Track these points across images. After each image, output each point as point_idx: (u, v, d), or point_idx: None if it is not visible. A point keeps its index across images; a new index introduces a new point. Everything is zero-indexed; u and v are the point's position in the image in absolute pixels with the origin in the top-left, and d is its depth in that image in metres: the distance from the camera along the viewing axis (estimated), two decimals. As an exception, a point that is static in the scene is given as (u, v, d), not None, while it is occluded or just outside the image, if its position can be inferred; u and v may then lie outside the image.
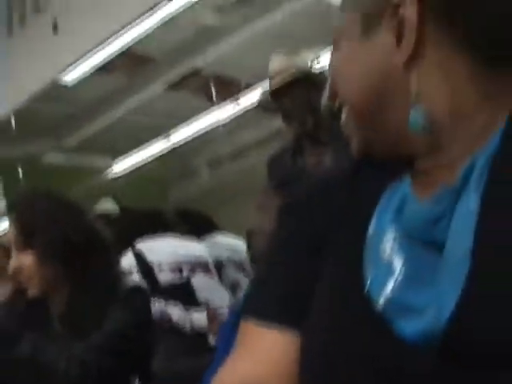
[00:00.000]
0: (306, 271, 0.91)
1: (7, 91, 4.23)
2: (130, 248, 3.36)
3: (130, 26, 3.97)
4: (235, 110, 6.51)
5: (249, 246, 1.97)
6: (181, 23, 5.11)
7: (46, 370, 1.73)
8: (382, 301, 0.78)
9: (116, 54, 4.41)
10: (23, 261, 1.93)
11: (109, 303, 1.90)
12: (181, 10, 4.28)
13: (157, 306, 3.15)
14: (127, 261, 3.31)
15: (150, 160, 7.59)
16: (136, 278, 3.23)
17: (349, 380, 0.79)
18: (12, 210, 2.03)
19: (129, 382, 1.96)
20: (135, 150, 7.45)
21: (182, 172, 8.42)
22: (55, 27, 3.78)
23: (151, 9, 3.83)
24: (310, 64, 3.03)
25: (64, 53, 3.93)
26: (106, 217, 4.01)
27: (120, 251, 3.37)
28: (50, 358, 1.74)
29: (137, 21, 3.96)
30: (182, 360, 2.83)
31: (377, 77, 0.87)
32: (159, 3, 3.83)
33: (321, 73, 3.04)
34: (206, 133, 6.96)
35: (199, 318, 3.10)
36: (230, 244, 3.68)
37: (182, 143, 7.26)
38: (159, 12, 4.13)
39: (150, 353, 2.04)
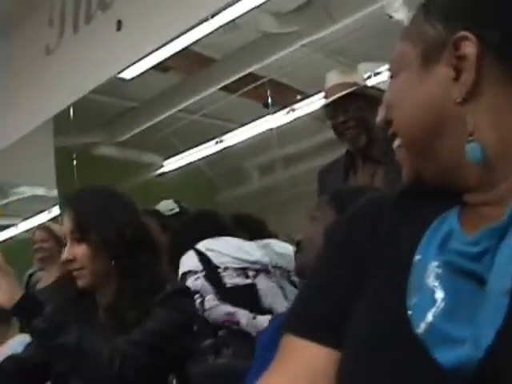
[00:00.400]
0: (348, 291, 0.93)
1: (70, 83, 4.32)
2: (191, 248, 3.38)
3: (192, 28, 4.02)
4: (290, 118, 6.53)
5: (296, 256, 1.97)
6: (242, 28, 5.16)
7: (91, 359, 1.78)
8: (422, 327, 0.80)
9: (176, 53, 4.46)
10: (76, 253, 2.00)
11: (152, 301, 1.94)
12: (243, 14, 4.31)
13: (224, 308, 3.16)
14: (191, 261, 3.33)
15: (200, 161, 7.64)
16: (200, 279, 3.26)
17: None
18: (69, 204, 2.08)
19: (166, 382, 2.00)
20: (187, 150, 7.51)
21: (232, 175, 8.46)
22: (119, 24, 3.85)
23: (215, 12, 3.86)
24: (366, 81, 3.03)
25: (126, 49, 3.99)
26: (160, 214, 4.03)
27: (179, 249, 3.41)
28: (94, 347, 1.80)
29: (199, 23, 4.00)
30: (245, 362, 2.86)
31: (432, 109, 0.90)
32: (223, 7, 3.86)
33: (377, 90, 3.03)
34: (259, 138, 6.99)
35: (263, 322, 3.12)
36: (280, 250, 3.68)
37: (234, 147, 7.30)
38: (222, 15, 4.17)
39: (188, 354, 2.06)
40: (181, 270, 3.36)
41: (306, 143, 7.58)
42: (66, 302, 2.07)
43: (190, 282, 3.27)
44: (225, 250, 3.37)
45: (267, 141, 6.99)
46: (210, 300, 3.22)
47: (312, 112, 6.15)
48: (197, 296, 3.21)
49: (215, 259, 3.32)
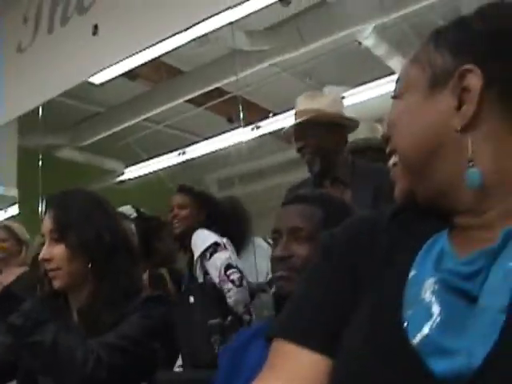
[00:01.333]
0: (345, 303, 0.97)
1: (41, 83, 4.32)
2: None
3: (165, 39, 4.06)
4: (253, 135, 6.59)
5: (279, 274, 1.89)
6: (214, 42, 5.21)
7: (65, 358, 1.77)
8: (417, 339, 0.85)
9: (147, 62, 4.49)
10: (55, 252, 2.00)
11: (126, 306, 1.95)
12: (215, 30, 4.36)
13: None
14: (213, 236, 3.64)
15: (161, 171, 7.66)
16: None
17: None
18: (52, 203, 2.10)
19: None
20: (149, 159, 7.52)
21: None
22: (96, 29, 3.87)
23: (189, 27, 3.91)
24: (333, 107, 3.08)
25: (100, 55, 4.02)
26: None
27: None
28: (70, 346, 1.79)
29: (172, 36, 4.04)
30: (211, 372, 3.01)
31: (433, 133, 0.95)
32: (197, 21, 3.91)
33: (344, 118, 3.09)
34: (222, 153, 7.03)
35: None
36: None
37: (196, 159, 7.33)
38: (195, 29, 4.21)
39: (156, 361, 2.07)
40: (205, 244, 3.55)
41: (267, 161, 7.66)
42: (41, 301, 2.02)
43: (229, 255, 3.53)
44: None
45: (229, 156, 7.04)
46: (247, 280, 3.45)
47: (276, 131, 6.23)
48: (233, 270, 3.47)
49: None
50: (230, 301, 3.42)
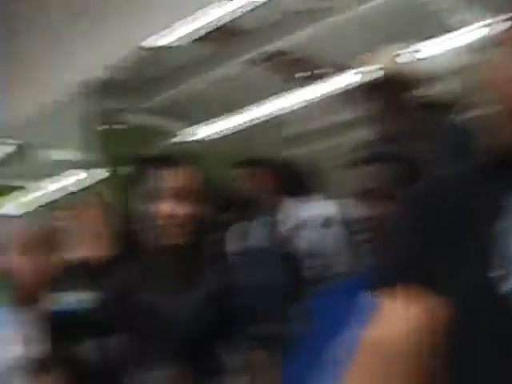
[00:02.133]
0: (434, 253, 0.99)
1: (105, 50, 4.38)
2: None
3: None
4: (312, 95, 6.59)
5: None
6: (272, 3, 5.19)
7: None
8: (506, 288, 0.88)
9: (211, 24, 4.53)
10: (182, 211, 2.03)
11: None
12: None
13: None
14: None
15: (223, 133, 7.71)
16: None
17: (474, 348, 0.92)
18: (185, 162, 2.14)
19: None
20: (210, 121, 7.58)
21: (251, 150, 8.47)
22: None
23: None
24: (400, 65, 3.03)
25: (161, 19, 4.08)
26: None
27: None
28: None
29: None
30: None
31: None
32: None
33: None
34: (281, 114, 7.01)
35: None
36: None
37: (256, 121, 7.35)
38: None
39: None
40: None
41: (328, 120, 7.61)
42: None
43: None
44: None
45: (289, 116, 7.02)
46: None
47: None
48: None
49: None
50: None
